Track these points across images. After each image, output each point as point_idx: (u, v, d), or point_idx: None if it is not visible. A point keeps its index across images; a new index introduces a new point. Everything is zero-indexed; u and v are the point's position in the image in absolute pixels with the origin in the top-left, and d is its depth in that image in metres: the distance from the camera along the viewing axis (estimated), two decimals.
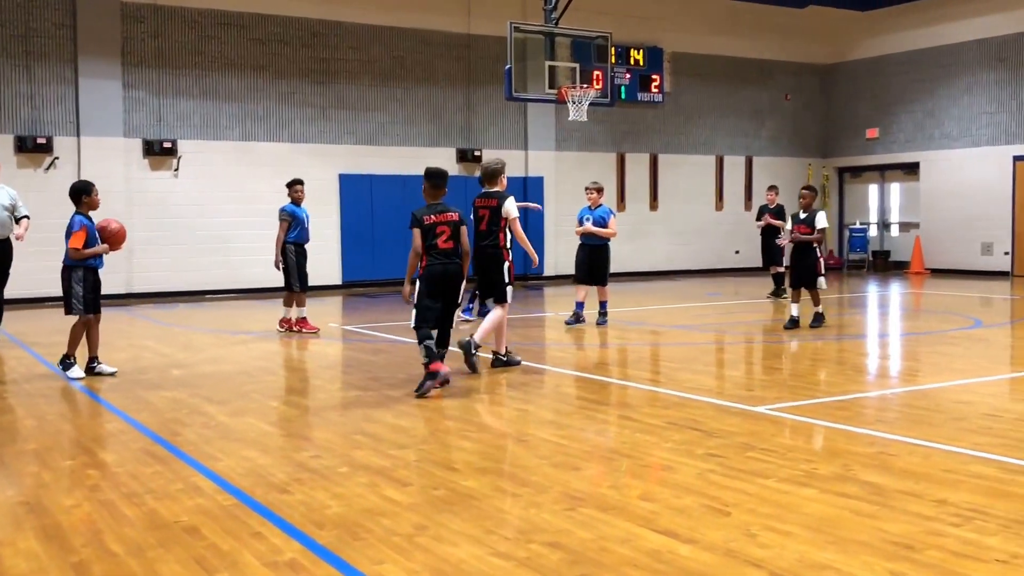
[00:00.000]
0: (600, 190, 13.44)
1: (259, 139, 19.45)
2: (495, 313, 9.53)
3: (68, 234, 9.16)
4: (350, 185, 20.18)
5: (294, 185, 12.89)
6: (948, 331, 12.63)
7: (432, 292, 8.44)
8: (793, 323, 12.40)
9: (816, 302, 12.59)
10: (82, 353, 9.43)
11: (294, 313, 12.88)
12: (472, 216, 9.78)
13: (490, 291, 9.82)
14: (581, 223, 13.27)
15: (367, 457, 6.10)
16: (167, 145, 18.39)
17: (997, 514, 4.77)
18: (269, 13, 19.45)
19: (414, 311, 8.48)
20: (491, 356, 9.82)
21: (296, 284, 12.71)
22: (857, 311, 16.21)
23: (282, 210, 12.79)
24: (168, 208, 18.27)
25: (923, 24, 24.20)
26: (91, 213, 9.32)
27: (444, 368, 8.32)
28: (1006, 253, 22.61)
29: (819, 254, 12.48)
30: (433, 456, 6.13)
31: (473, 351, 9.21)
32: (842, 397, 8.04)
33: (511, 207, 9.73)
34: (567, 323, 13.06)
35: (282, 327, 12.88)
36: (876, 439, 6.48)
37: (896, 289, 19.83)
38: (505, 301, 9.60)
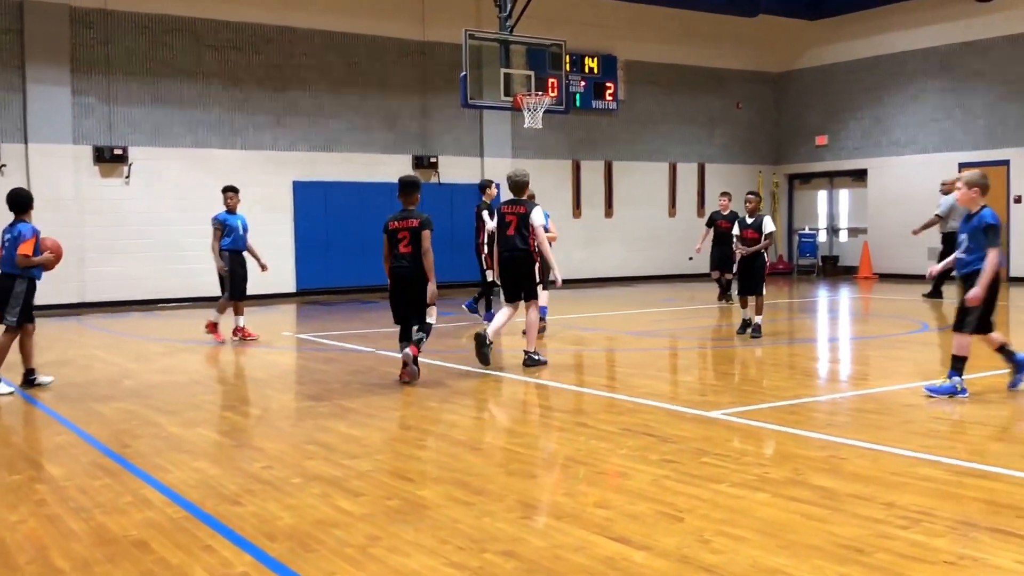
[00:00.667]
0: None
1: (212, 146, 19.26)
2: (532, 315, 10.31)
3: (16, 241, 9.01)
4: (305, 192, 20.06)
5: (227, 192, 12.83)
6: (896, 335, 12.79)
7: (392, 292, 9.27)
8: (746, 326, 12.43)
9: (759, 311, 12.36)
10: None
11: (223, 319, 12.78)
12: (498, 221, 10.48)
13: (519, 291, 10.32)
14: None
15: (320, 467, 6.05)
16: (118, 152, 18.16)
17: (944, 516, 4.82)
18: (221, 19, 19.28)
19: None
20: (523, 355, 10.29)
21: (227, 292, 12.62)
22: (807, 316, 16.38)
23: (214, 219, 12.70)
24: (120, 216, 18.03)
25: (871, 33, 24.55)
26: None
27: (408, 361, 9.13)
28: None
29: (766, 259, 12.49)
30: (387, 466, 6.10)
31: (488, 343, 10.02)
32: (793, 401, 8.10)
33: (538, 216, 10.34)
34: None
35: (208, 331, 12.76)
36: (827, 443, 6.54)
37: (845, 294, 20.06)
38: (535, 299, 10.30)
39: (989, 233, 7.76)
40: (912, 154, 23.84)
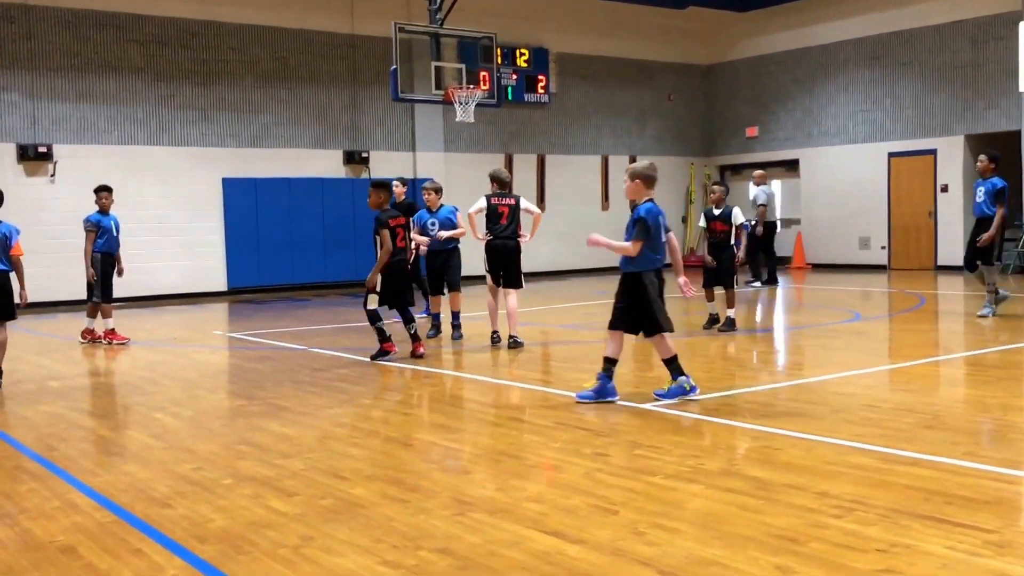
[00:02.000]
0: (439, 190, 12.40)
1: (139, 143, 18.91)
2: (512, 301, 11.23)
3: (9, 241, 9.16)
4: (234, 189, 19.79)
5: (101, 192, 12.51)
6: (829, 324, 12.98)
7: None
8: (713, 321, 12.24)
9: (731, 304, 12.19)
10: None
11: (99, 324, 12.49)
12: (488, 212, 11.31)
13: (507, 277, 11.29)
14: (425, 229, 12.08)
15: (252, 468, 5.97)
16: (42, 150, 17.76)
17: (876, 504, 4.88)
18: (146, 13, 18.93)
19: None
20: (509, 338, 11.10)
21: (99, 295, 12.36)
22: (741, 306, 16.53)
23: (86, 220, 12.40)
24: (46, 215, 17.60)
25: (800, 24, 24.86)
26: None
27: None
28: (883, 247, 23.37)
29: (735, 251, 12.19)
30: (320, 464, 6.03)
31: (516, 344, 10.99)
32: (727, 392, 8.15)
33: (531, 204, 11.95)
34: (430, 335, 12.09)
35: (84, 338, 12.53)
36: (760, 433, 6.59)
37: (779, 284, 20.28)
38: (520, 286, 11.39)
39: (638, 225, 7.49)
40: (843, 144, 24.20)
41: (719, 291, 12.25)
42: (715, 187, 12.63)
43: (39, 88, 17.93)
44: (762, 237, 19.69)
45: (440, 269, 12.15)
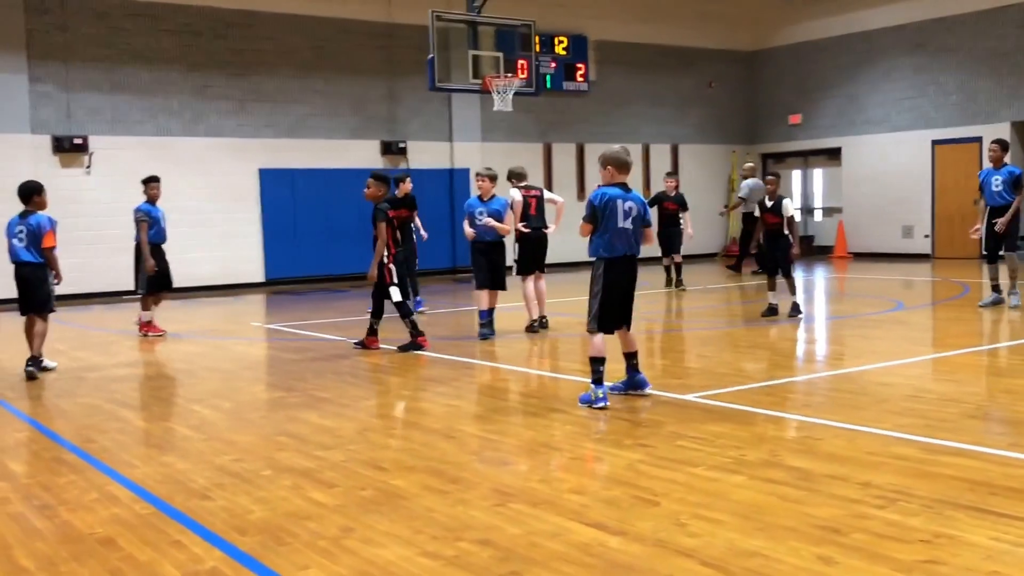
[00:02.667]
0: (494, 178, 11.59)
1: (174, 134, 18.99)
2: (543, 284, 11.73)
3: (40, 234, 9.27)
4: (271, 180, 19.87)
5: (149, 183, 12.47)
6: (871, 314, 12.82)
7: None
8: (771, 311, 12.19)
9: (793, 291, 12.23)
10: None
11: (146, 316, 12.49)
12: (520, 204, 11.63)
13: (537, 265, 11.72)
14: (474, 218, 11.43)
15: (291, 459, 5.97)
16: (77, 141, 17.89)
17: (920, 494, 4.82)
18: (180, 3, 18.97)
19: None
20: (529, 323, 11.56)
21: (142, 286, 12.33)
22: (782, 296, 16.37)
23: (137, 210, 12.32)
24: (81, 207, 17.73)
25: (844, 10, 24.55)
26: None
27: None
28: (926, 236, 23.06)
29: (791, 241, 12.10)
30: (360, 456, 6.03)
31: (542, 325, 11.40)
32: (768, 383, 8.09)
33: (554, 195, 12.55)
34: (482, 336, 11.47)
35: (142, 331, 12.47)
36: (802, 424, 6.53)
37: (820, 273, 20.11)
38: (544, 272, 11.81)
39: (586, 211, 7.33)
40: (886, 132, 23.89)
41: (780, 280, 12.24)
42: (769, 177, 12.47)
43: (74, 80, 18.05)
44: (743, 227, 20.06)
45: (494, 264, 11.42)
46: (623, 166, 7.41)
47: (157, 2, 18.75)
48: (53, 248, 9.35)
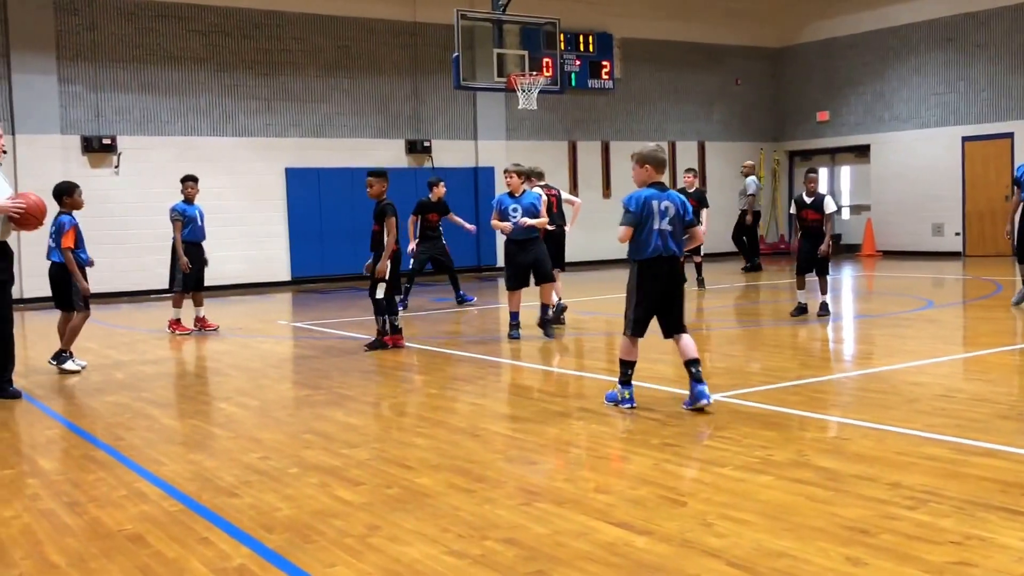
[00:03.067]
0: (522, 173, 11.36)
1: (202, 134, 19.13)
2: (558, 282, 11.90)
3: (59, 233, 9.40)
4: (297, 179, 19.94)
5: (186, 181, 12.57)
6: (901, 313, 12.72)
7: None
8: (801, 310, 12.08)
9: (824, 290, 12.10)
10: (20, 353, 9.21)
11: (176, 314, 12.55)
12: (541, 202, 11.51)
13: (560, 262, 12.16)
14: (506, 215, 11.14)
15: (318, 457, 5.99)
16: (106, 141, 18.04)
17: (950, 495, 4.77)
18: (209, 4, 19.11)
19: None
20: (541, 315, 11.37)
21: (178, 285, 12.42)
22: (810, 295, 16.27)
23: (172, 209, 12.45)
24: (109, 206, 17.85)
25: (871, 6, 24.37)
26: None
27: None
28: (957, 234, 22.88)
29: (828, 239, 11.99)
30: (385, 454, 6.03)
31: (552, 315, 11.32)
32: (796, 382, 8.04)
33: (571, 195, 13.17)
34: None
35: (181, 330, 12.49)
36: (830, 424, 6.50)
37: (848, 272, 19.98)
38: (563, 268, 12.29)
39: (624, 216, 7.06)
40: (915, 129, 23.71)
41: (810, 278, 12.13)
42: (810, 175, 12.33)
43: (102, 80, 18.20)
44: (750, 225, 20.31)
45: (529, 262, 11.10)
46: (662, 165, 7.19)
47: (185, 3, 18.87)
48: (70, 248, 9.39)
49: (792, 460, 5.54)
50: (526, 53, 17.37)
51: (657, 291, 7.04)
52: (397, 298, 10.71)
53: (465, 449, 6.13)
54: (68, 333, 9.57)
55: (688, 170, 17.49)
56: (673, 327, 7.14)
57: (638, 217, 6.95)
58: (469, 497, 5.05)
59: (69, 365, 9.55)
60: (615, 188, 24.21)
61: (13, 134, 17.21)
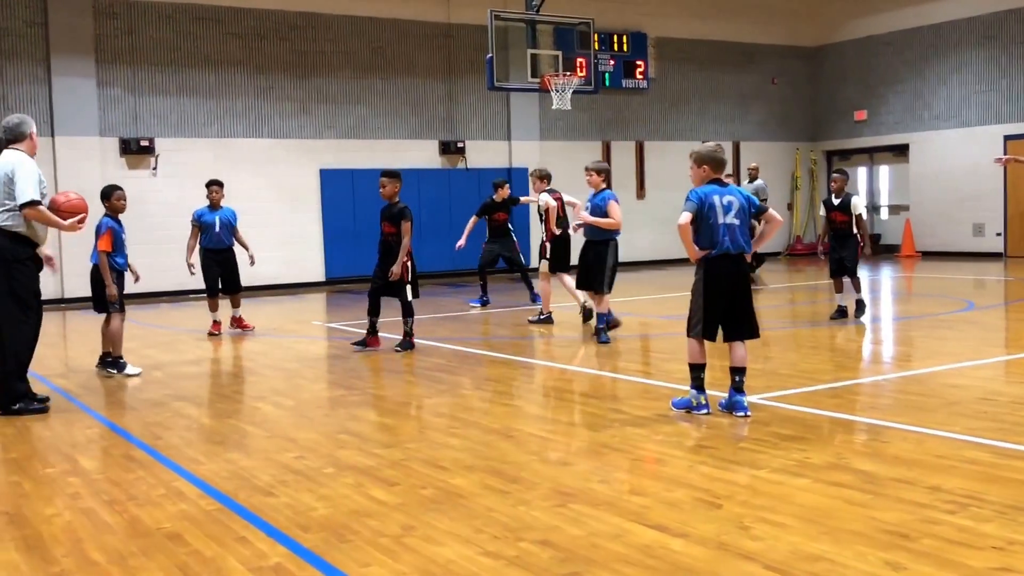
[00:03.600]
0: (600, 171, 11.02)
1: (238, 136, 19.27)
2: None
3: (96, 236, 9.53)
4: (332, 180, 20.03)
5: (210, 186, 12.47)
6: (941, 314, 12.59)
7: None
8: (841, 313, 11.90)
9: (858, 289, 11.93)
10: (50, 355, 9.30)
11: (218, 315, 12.53)
12: (556, 207, 12.47)
13: (563, 264, 12.51)
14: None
15: (353, 457, 6.02)
16: (144, 144, 18.20)
17: (992, 500, 4.72)
18: (245, 7, 19.25)
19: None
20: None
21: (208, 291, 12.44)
22: (847, 296, 16.14)
23: (192, 213, 12.50)
24: (147, 207, 18.00)
25: (909, 3, 24.13)
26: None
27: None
28: (998, 234, 22.60)
29: (859, 240, 11.81)
30: (420, 454, 6.05)
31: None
32: (834, 384, 7.98)
33: (572, 197, 13.11)
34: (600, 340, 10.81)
35: (220, 330, 12.47)
36: (869, 426, 6.44)
37: (887, 273, 19.80)
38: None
39: (685, 207, 6.85)
40: (955, 128, 23.45)
41: (847, 280, 12.00)
42: (835, 175, 12.13)
43: (140, 83, 18.38)
44: None
45: (589, 263, 10.88)
46: (720, 164, 7.01)
47: (222, 6, 19.01)
48: (105, 252, 9.42)
49: (830, 463, 5.50)
50: (560, 53, 17.34)
51: (723, 291, 6.86)
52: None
53: (499, 450, 6.13)
54: (113, 340, 9.55)
55: (750, 168, 17.38)
56: (735, 332, 6.94)
57: (697, 205, 6.79)
58: (504, 498, 5.05)
59: (130, 370, 9.52)
60: (649, 188, 24.17)
61: (53, 136, 17.40)
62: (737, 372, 6.86)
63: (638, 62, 23.55)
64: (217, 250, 12.47)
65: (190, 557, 4.34)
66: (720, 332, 6.96)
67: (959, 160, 23.21)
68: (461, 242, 14.04)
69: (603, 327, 10.64)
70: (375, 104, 20.64)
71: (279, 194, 19.54)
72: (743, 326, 6.92)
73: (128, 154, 18.16)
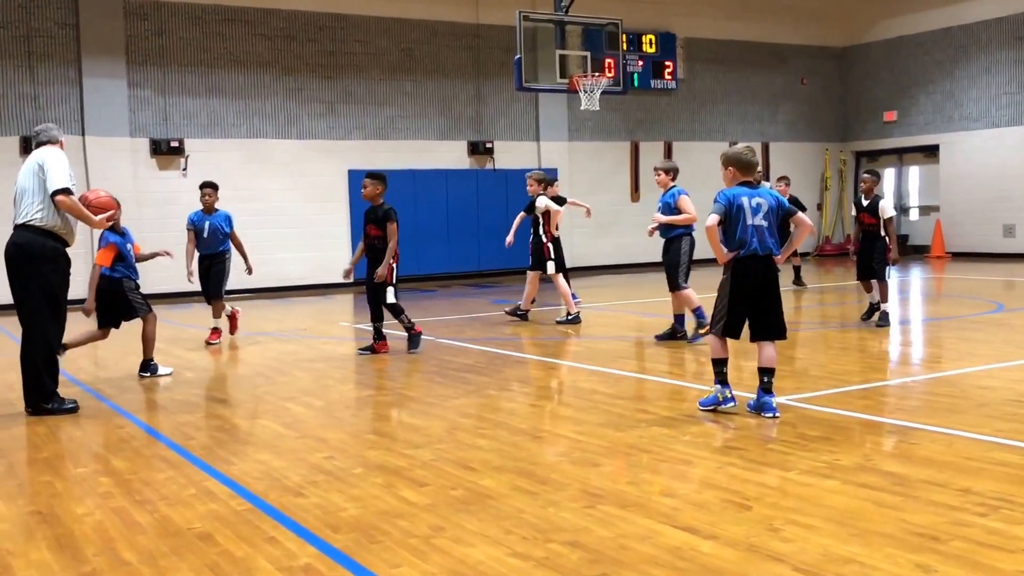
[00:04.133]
0: (668, 170, 10.96)
1: (267, 136, 19.41)
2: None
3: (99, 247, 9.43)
4: (360, 181, 19.98)
5: (203, 189, 12.06)
6: (970, 316, 12.50)
7: None
8: (873, 310, 11.68)
9: (884, 298, 11.51)
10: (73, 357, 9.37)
11: (219, 321, 12.22)
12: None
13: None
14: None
15: (382, 457, 6.05)
16: (174, 144, 18.38)
17: (1023, 502, 4.69)
18: (274, 8, 19.39)
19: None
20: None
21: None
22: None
23: (188, 218, 12.10)
24: (177, 208, 18.05)
25: (939, 4, 24.00)
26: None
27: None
28: None
29: (888, 243, 11.54)
30: (449, 455, 6.07)
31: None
32: (863, 386, 7.94)
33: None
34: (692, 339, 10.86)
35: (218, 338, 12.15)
36: (898, 428, 6.41)
37: (917, 274, 19.67)
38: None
39: (713, 208, 6.88)
40: (985, 128, 23.29)
41: (875, 282, 11.81)
42: (865, 176, 11.89)
43: (170, 84, 18.55)
44: None
45: (667, 262, 11.01)
46: (747, 166, 6.97)
47: (251, 7, 19.15)
48: (102, 266, 9.23)
49: (859, 465, 5.48)
50: (588, 54, 17.34)
51: (749, 291, 6.87)
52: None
53: (527, 451, 6.14)
54: (146, 342, 9.57)
55: (780, 178, 17.30)
56: (761, 332, 6.93)
57: (725, 207, 6.81)
58: (532, 499, 5.06)
59: (161, 371, 9.56)
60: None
61: (83, 136, 17.59)
62: (765, 373, 6.84)
63: (667, 63, 23.52)
64: (205, 255, 12.07)
65: (220, 557, 4.37)
66: (747, 332, 6.96)
67: (989, 161, 23.05)
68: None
69: (698, 326, 10.59)
70: (404, 105, 20.71)
71: (307, 194, 19.64)
72: (771, 327, 6.91)
73: (158, 155, 18.31)
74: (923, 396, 7.64)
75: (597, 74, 17.20)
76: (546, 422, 7.08)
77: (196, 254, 12.02)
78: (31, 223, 7.54)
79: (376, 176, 10.88)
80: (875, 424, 6.58)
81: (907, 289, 17.18)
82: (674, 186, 10.81)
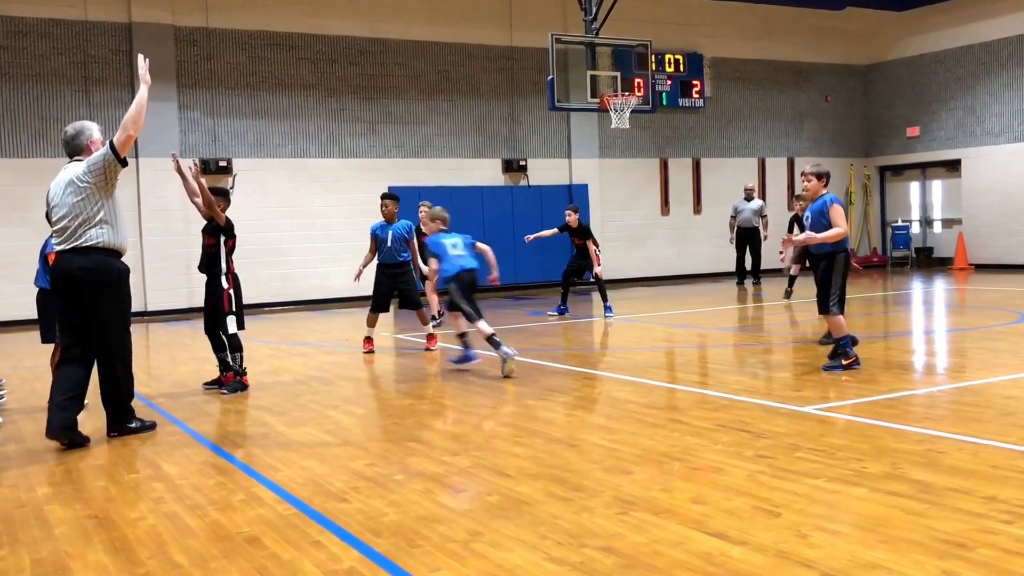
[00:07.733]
0: (820, 176, 9.56)
1: (311, 155, 19.79)
2: None
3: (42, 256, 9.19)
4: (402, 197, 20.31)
5: (382, 200, 12.20)
6: (994, 326, 12.51)
7: None
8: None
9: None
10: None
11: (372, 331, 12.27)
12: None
13: None
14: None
15: (421, 464, 6.19)
16: (223, 164, 18.79)
17: None
18: (317, 33, 19.80)
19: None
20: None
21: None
22: (902, 308, 16.09)
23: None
24: None
25: (961, 22, 24.03)
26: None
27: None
28: None
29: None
30: (485, 462, 6.20)
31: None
32: (889, 395, 8.00)
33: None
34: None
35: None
36: (924, 436, 6.46)
37: (940, 285, 19.63)
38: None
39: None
40: (1007, 143, 23.27)
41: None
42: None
43: (219, 106, 18.99)
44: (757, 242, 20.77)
45: (819, 282, 9.61)
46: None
47: (295, 32, 19.59)
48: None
49: (886, 472, 5.55)
50: (618, 74, 17.53)
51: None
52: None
53: (562, 459, 6.24)
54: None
55: (797, 197, 17.39)
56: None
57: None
58: (567, 505, 5.16)
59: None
60: (706, 204, 24.24)
61: (137, 157, 17.98)
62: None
63: (694, 82, 23.70)
64: (388, 265, 12.18)
65: (268, 560, 4.49)
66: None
67: (1011, 174, 23.07)
68: (530, 236, 14.47)
69: (842, 352, 9.27)
70: (440, 124, 21.01)
71: (349, 210, 19.94)
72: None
73: (208, 174, 18.62)
74: (949, 405, 7.70)
75: (627, 93, 17.38)
76: (580, 430, 7.16)
77: (374, 261, 12.10)
78: (98, 244, 7.14)
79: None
80: (901, 432, 6.63)
81: (931, 300, 17.18)
82: (826, 193, 9.48)
